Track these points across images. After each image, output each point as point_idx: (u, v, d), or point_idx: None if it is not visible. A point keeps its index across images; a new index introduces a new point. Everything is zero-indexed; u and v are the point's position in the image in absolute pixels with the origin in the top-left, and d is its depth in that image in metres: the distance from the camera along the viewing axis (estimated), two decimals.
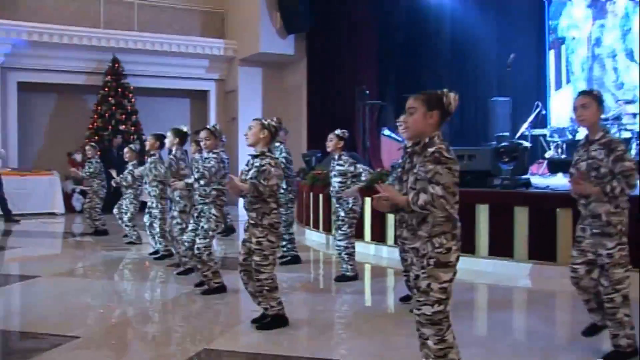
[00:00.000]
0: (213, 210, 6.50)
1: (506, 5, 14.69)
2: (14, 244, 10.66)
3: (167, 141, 7.72)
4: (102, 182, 11.37)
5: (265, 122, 5.28)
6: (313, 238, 10.76)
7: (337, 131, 7.14)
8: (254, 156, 5.23)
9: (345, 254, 7.23)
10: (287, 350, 4.79)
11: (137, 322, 5.82)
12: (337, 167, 7.16)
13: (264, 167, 5.07)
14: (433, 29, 15.32)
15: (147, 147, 8.47)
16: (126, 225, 10.16)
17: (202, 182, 6.52)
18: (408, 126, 3.64)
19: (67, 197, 15.47)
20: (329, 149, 7.28)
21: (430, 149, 3.39)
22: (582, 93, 4.57)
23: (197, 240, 6.49)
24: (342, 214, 7.22)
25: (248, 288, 5.32)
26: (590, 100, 4.42)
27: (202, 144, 6.79)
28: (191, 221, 6.85)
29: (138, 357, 4.87)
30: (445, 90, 3.54)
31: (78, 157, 15.48)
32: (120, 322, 5.77)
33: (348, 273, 7.27)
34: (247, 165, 5.29)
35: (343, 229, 7.21)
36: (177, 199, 7.33)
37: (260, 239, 5.11)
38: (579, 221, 4.55)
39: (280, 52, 16.61)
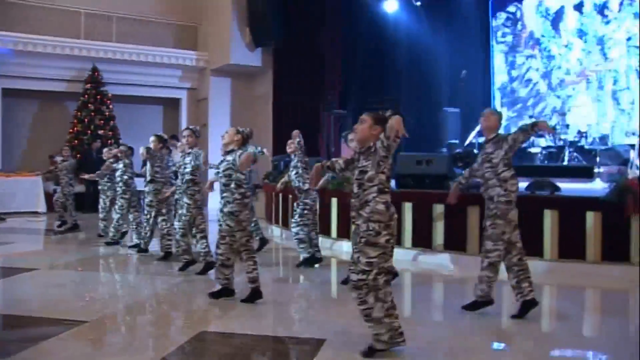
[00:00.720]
0: (186, 199, 7.43)
1: (457, 24, 15.24)
2: (6, 240, 10.74)
3: (151, 145, 8.16)
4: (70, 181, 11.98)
5: (240, 129, 6.13)
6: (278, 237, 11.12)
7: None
8: (227, 153, 6.02)
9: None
10: (277, 332, 5.14)
11: (138, 309, 6.10)
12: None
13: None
14: (391, 43, 15.80)
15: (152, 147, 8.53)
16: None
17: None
18: (357, 132, 4.37)
19: (49, 197, 15.50)
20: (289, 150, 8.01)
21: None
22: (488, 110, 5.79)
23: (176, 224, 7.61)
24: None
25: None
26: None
27: (184, 140, 7.51)
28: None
29: (142, 338, 5.15)
30: (389, 112, 4.35)
31: (59, 159, 15.50)
32: (123, 308, 6.03)
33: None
34: (219, 163, 6.11)
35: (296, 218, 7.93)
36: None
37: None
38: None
39: (248, 63, 16.89)
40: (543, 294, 7.05)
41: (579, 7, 13.95)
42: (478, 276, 5.55)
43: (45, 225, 13.30)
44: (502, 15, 15.36)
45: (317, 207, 8.18)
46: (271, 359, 4.57)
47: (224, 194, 5.92)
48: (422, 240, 8.39)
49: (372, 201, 4.22)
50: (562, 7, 14.19)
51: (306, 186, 7.74)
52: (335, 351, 4.52)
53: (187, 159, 7.41)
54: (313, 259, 7.96)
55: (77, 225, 11.93)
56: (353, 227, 4.52)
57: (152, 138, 8.59)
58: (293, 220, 7.97)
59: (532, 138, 13.24)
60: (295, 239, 7.91)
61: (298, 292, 7.00)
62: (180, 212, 7.58)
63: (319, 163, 4.86)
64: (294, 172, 7.84)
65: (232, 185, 5.88)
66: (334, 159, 4.82)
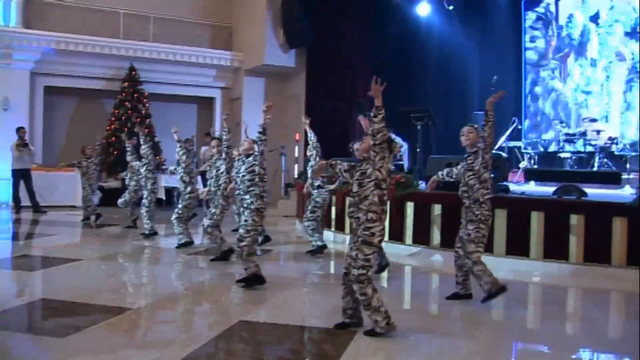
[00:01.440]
0: (221, 200, 8.25)
1: (488, 28, 15.41)
2: (47, 232, 11.21)
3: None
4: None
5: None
6: None
7: None
8: (247, 155, 6.74)
9: None
10: (311, 323, 5.46)
11: (179, 298, 6.48)
12: None
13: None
14: (423, 47, 16.01)
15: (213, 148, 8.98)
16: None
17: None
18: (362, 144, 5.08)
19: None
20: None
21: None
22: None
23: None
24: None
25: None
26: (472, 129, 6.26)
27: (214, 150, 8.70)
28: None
29: (184, 326, 5.51)
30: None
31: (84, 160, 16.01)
32: (165, 297, 6.40)
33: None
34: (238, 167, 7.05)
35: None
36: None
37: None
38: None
39: (282, 64, 17.20)
40: (568, 297, 7.29)
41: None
42: (475, 275, 5.99)
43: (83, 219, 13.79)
44: (532, 17, 15.48)
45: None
46: (306, 348, 4.87)
47: (251, 189, 6.50)
48: (451, 242, 8.62)
49: (370, 194, 4.84)
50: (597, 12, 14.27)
51: (317, 183, 8.70)
52: (367, 342, 4.82)
53: (219, 163, 8.38)
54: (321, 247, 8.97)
55: (99, 216, 12.66)
56: (352, 224, 4.99)
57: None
58: (305, 216, 9.03)
59: (561, 143, 13.40)
60: (310, 230, 8.92)
61: (330, 285, 7.27)
62: (213, 210, 8.40)
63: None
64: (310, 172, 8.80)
65: (257, 180, 6.50)
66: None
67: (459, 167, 6.31)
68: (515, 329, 5.55)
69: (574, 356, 4.79)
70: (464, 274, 6.20)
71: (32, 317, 5.71)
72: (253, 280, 6.56)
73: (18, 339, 4.91)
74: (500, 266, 8.01)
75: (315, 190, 8.84)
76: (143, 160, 10.80)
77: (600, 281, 7.48)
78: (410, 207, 9.10)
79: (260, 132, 6.50)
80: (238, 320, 5.40)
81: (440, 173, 6.56)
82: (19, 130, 14.13)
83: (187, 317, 5.79)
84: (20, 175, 13.97)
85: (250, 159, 6.63)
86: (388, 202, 5.25)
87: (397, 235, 9.23)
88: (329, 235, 11.39)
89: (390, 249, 8.40)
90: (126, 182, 11.74)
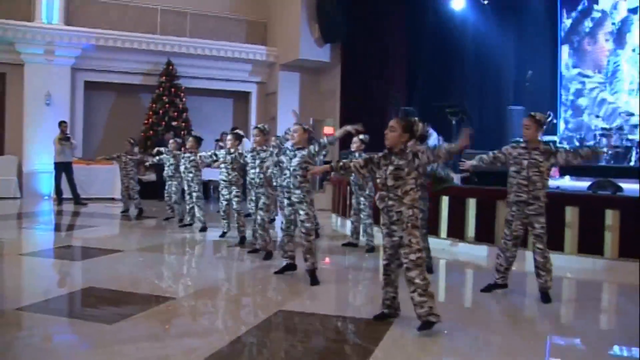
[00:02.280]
0: (270, 190, 8.23)
1: (524, 23, 15.36)
2: (88, 224, 11.55)
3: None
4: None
5: (305, 126, 6.80)
6: None
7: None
8: (298, 149, 6.68)
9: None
10: (348, 313, 5.61)
11: (220, 288, 6.71)
12: None
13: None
14: (457, 41, 16.02)
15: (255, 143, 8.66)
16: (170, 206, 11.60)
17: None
18: (387, 138, 5.02)
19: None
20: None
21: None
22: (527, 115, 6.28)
23: (261, 213, 8.12)
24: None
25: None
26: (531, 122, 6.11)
27: (254, 139, 8.30)
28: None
29: (226, 315, 5.71)
30: (416, 119, 5.16)
31: (136, 149, 16.31)
32: (206, 288, 6.60)
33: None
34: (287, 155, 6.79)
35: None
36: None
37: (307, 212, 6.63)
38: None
39: (317, 59, 17.41)
40: (603, 291, 7.33)
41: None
42: (547, 270, 6.15)
43: (121, 211, 14.12)
44: (571, 15, 15.38)
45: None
46: (344, 336, 5.03)
47: (302, 185, 6.55)
48: (486, 235, 8.72)
49: (412, 191, 4.91)
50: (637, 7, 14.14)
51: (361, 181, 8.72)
52: (402, 331, 4.96)
53: (264, 155, 8.09)
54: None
55: (142, 210, 12.92)
56: (392, 216, 4.96)
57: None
58: (363, 213, 8.97)
59: (598, 138, 13.33)
60: (369, 229, 8.88)
61: (367, 278, 7.45)
62: (263, 201, 8.16)
63: (329, 164, 5.76)
64: None
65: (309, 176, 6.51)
66: (346, 161, 5.48)
67: (507, 152, 6.23)
68: (551, 324, 5.64)
69: (610, 352, 4.87)
70: (508, 265, 6.35)
71: (81, 304, 5.97)
72: (313, 276, 6.66)
73: (68, 324, 5.18)
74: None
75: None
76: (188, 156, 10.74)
77: (635, 276, 7.49)
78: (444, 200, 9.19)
79: (323, 146, 6.56)
80: (277, 309, 5.58)
81: (484, 157, 6.44)
82: (61, 124, 14.52)
83: (227, 307, 5.99)
84: (62, 168, 14.37)
85: (305, 153, 6.60)
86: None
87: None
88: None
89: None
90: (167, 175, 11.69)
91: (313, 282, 6.56)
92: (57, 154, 14.36)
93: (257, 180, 8.10)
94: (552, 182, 9.92)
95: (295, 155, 6.63)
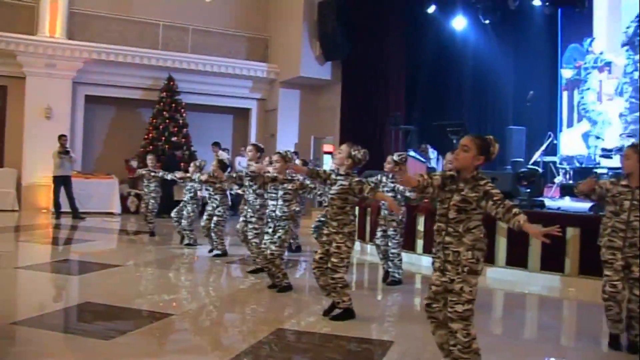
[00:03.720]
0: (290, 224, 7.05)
1: (524, 44, 15.37)
2: (86, 238, 11.46)
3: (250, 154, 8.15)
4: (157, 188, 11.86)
5: (353, 152, 5.85)
6: None
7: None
8: (339, 174, 5.84)
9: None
10: (344, 331, 5.53)
11: (218, 305, 6.62)
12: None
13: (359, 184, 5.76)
14: (457, 60, 16.04)
15: (249, 158, 8.33)
16: (184, 229, 10.66)
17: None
18: (458, 159, 4.16)
19: (124, 199, 16.31)
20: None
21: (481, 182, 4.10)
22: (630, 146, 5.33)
23: (273, 247, 6.93)
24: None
25: (319, 282, 6.02)
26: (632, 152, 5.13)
27: (249, 155, 7.83)
28: (267, 229, 7.18)
29: (224, 332, 5.63)
30: (492, 137, 4.21)
31: (134, 163, 16.24)
32: (205, 305, 6.54)
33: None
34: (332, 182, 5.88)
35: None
36: (257, 206, 7.76)
37: (339, 244, 5.79)
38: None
39: (318, 76, 17.41)
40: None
41: None
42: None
43: (119, 226, 14.05)
44: (569, 32, 15.42)
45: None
46: (344, 356, 4.95)
47: (339, 217, 5.79)
48: (487, 256, 8.62)
49: (476, 229, 4.11)
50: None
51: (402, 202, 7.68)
52: (403, 353, 4.89)
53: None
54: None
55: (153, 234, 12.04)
56: (439, 251, 4.22)
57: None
58: (395, 240, 7.83)
59: (597, 158, 13.30)
60: (398, 260, 7.90)
61: (367, 299, 7.35)
62: (282, 236, 7.04)
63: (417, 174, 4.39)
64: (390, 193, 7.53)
65: (348, 208, 5.82)
66: (425, 174, 4.35)
67: (609, 187, 5.25)
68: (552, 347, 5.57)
69: None
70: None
71: (77, 319, 5.88)
72: (346, 315, 5.87)
73: (63, 340, 5.09)
74: (535, 281, 8.05)
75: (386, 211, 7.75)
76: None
77: None
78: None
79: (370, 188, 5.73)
80: (276, 328, 5.50)
81: (602, 184, 5.38)
82: (60, 137, 14.46)
83: (226, 324, 5.92)
84: (61, 182, 14.30)
85: (346, 183, 5.76)
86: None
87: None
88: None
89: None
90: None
91: (336, 319, 5.86)
92: (56, 167, 14.29)
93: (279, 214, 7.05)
94: (553, 203, 9.92)
95: (335, 181, 5.87)
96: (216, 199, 9.76)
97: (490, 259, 8.42)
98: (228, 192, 10.18)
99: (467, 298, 4.03)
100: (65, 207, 14.42)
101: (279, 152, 7.04)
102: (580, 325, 6.71)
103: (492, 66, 15.48)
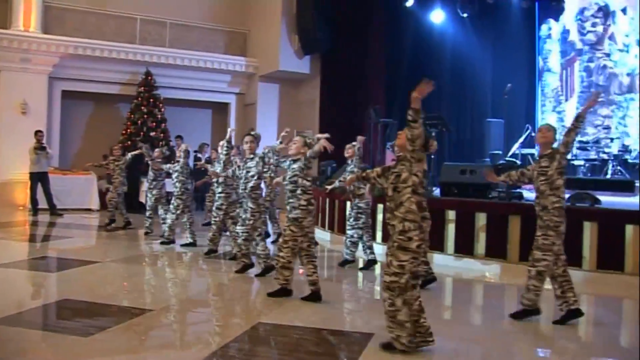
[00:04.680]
0: (250, 204, 7.52)
1: (502, 37, 15.48)
2: (64, 234, 11.36)
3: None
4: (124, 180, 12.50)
5: (308, 140, 6.39)
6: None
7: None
8: (293, 160, 6.37)
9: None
10: (325, 324, 5.55)
11: (198, 300, 6.62)
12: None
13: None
14: (436, 54, 16.08)
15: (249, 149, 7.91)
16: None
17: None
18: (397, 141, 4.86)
19: (102, 195, 16.17)
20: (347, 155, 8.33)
21: None
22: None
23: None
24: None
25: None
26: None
27: (246, 146, 7.66)
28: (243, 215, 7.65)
29: (205, 327, 5.63)
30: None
31: (111, 159, 16.10)
32: (184, 300, 6.53)
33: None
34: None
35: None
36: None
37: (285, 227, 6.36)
38: None
39: (297, 70, 17.33)
40: (582, 303, 7.33)
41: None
42: (525, 285, 5.83)
43: (98, 222, 13.93)
44: (547, 27, 15.54)
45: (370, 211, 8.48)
46: (324, 349, 4.96)
47: (290, 200, 6.26)
48: (464, 247, 8.72)
49: (407, 201, 4.56)
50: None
51: (361, 191, 8.10)
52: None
53: (251, 164, 7.51)
54: (371, 262, 8.40)
55: (129, 223, 12.44)
56: (390, 230, 4.69)
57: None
58: (348, 223, 8.40)
59: (576, 151, 13.43)
60: (348, 241, 8.35)
61: (345, 291, 7.41)
62: (244, 216, 7.61)
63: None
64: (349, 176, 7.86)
65: (298, 192, 6.22)
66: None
67: (530, 168, 6.00)
68: (533, 337, 5.63)
69: None
70: (559, 285, 5.78)
71: (56, 316, 5.85)
72: (281, 293, 6.39)
73: (42, 337, 5.05)
74: (516, 273, 8.12)
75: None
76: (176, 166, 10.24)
77: (613, 288, 7.54)
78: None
79: (305, 162, 6.28)
80: (257, 321, 5.51)
81: (510, 174, 6.22)
82: (37, 133, 14.30)
83: (205, 319, 5.91)
84: (38, 178, 14.14)
85: (296, 166, 6.33)
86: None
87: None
88: (324, 235, 11.52)
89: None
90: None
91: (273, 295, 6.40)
92: (33, 163, 14.13)
93: (241, 192, 7.72)
94: (531, 195, 9.98)
95: (289, 167, 6.44)
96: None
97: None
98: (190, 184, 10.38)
99: (393, 271, 4.55)
100: (43, 203, 14.28)
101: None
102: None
103: (471, 59, 15.56)
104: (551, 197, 5.69)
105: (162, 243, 10.18)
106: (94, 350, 4.60)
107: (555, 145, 5.91)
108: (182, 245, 9.90)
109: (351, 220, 8.32)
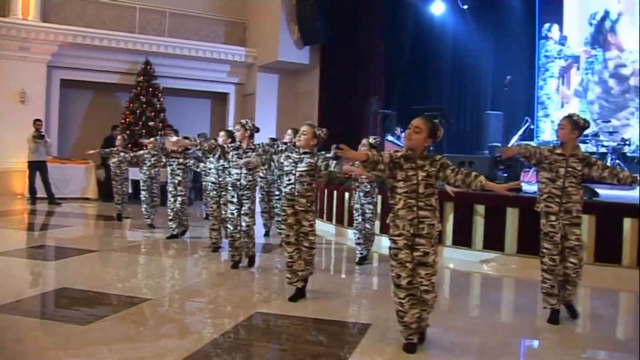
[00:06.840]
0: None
1: (503, 29, 15.48)
2: (62, 223, 11.37)
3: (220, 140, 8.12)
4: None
5: (317, 131, 6.03)
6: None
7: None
8: (304, 153, 5.96)
9: None
10: (322, 314, 5.56)
11: (196, 289, 6.63)
12: None
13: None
14: (436, 46, 16.12)
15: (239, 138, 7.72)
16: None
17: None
18: (411, 139, 4.47)
19: (100, 184, 16.17)
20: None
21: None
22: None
23: (247, 219, 7.42)
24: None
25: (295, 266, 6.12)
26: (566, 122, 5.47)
27: (237, 134, 7.53)
28: (230, 198, 7.47)
29: (202, 316, 5.63)
30: (438, 122, 4.61)
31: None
32: (182, 289, 6.53)
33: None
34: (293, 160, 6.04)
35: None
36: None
37: (312, 222, 6.06)
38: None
39: (296, 61, 17.29)
40: (579, 296, 7.36)
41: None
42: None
43: (96, 211, 13.95)
44: (546, 17, 15.52)
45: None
46: (322, 339, 4.98)
47: (300, 191, 5.92)
48: (463, 239, 8.73)
49: (434, 202, 4.45)
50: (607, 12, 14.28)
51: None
52: (381, 334, 4.94)
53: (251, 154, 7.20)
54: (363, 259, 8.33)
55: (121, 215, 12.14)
56: (424, 229, 4.43)
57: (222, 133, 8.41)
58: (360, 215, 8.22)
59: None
60: (362, 235, 8.24)
61: (343, 282, 7.42)
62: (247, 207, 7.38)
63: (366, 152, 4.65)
64: None
65: (314, 185, 6.02)
66: (374, 151, 4.59)
67: (547, 154, 5.47)
68: (523, 331, 5.65)
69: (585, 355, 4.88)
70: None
71: (54, 305, 5.87)
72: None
73: (40, 326, 5.06)
74: (511, 264, 8.15)
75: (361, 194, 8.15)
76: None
77: (610, 281, 7.56)
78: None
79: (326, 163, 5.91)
80: (254, 311, 5.53)
81: (527, 147, 5.65)
82: (35, 122, 14.30)
83: (203, 308, 5.91)
84: (36, 167, 14.16)
85: (312, 160, 5.91)
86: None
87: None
88: (329, 227, 11.51)
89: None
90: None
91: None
92: (31, 152, 14.14)
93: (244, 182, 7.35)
94: (530, 187, 10.01)
95: (301, 160, 5.98)
96: (178, 175, 9.81)
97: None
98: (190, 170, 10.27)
99: (436, 269, 4.49)
100: (41, 192, 14.29)
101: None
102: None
103: (471, 51, 15.57)
104: (577, 205, 5.45)
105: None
106: (91, 338, 4.62)
107: (582, 149, 5.69)
108: (168, 238, 9.90)
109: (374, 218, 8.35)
